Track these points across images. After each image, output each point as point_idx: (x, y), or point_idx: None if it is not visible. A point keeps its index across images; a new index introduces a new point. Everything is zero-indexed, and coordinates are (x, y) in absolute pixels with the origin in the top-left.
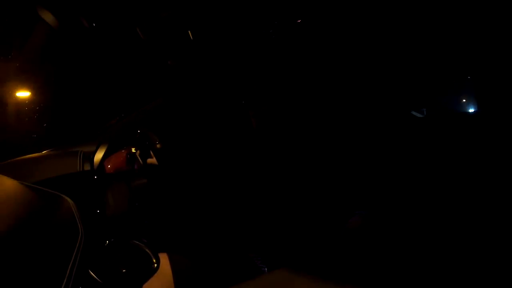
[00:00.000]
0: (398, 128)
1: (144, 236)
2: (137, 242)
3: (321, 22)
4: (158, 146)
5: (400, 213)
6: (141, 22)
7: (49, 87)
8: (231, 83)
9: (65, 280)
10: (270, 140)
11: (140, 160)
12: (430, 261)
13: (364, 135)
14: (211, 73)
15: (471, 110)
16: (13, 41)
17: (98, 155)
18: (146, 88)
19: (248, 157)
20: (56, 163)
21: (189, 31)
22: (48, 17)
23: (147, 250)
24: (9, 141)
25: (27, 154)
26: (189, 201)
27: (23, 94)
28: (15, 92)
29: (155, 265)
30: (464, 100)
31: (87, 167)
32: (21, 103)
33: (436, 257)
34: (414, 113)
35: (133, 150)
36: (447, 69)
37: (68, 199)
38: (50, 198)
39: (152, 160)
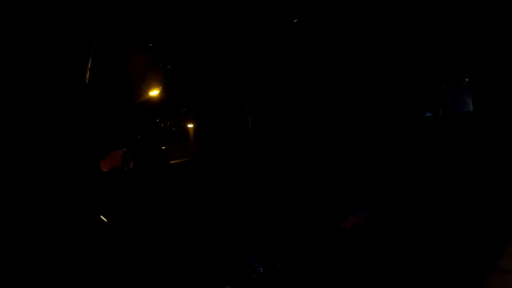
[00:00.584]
0: (402, 126)
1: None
2: None
3: (318, 22)
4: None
5: (403, 214)
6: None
7: None
8: (229, 82)
9: None
10: (266, 139)
11: (134, 159)
12: (435, 269)
13: (366, 134)
14: (210, 72)
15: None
16: None
17: (93, 154)
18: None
19: (244, 156)
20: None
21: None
22: None
23: None
24: None
25: None
26: (187, 200)
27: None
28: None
29: None
30: None
31: (83, 165)
32: None
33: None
34: (428, 113)
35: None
36: (453, 70)
37: None
38: None
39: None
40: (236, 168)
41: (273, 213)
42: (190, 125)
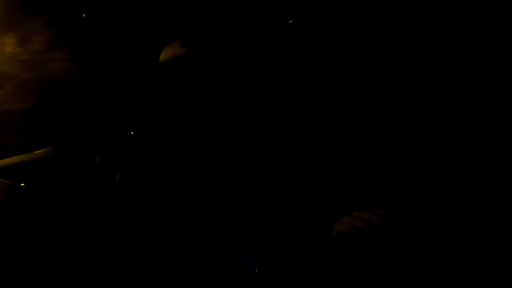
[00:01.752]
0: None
1: None
2: None
3: (313, 23)
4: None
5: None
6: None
7: None
8: (227, 83)
9: None
10: (264, 140)
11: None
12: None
13: (369, 133)
14: (205, 73)
15: None
16: None
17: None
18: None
19: (241, 156)
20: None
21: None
22: None
23: None
24: None
25: None
26: (183, 199)
27: None
28: None
29: None
30: None
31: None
32: None
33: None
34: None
35: None
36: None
37: None
38: None
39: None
40: (233, 167)
41: (270, 212)
42: None
